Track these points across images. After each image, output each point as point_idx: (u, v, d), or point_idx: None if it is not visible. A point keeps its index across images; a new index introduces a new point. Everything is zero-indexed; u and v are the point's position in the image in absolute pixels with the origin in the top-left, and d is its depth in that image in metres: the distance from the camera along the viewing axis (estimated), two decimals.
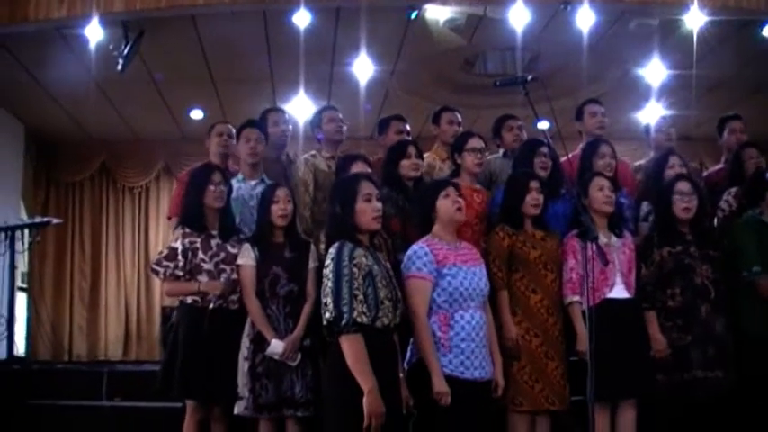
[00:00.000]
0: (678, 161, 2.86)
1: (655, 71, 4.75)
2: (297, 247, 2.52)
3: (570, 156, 2.95)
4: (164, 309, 5.83)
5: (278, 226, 2.51)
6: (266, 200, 2.52)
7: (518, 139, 3.16)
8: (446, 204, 2.22)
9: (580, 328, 2.42)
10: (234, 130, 3.03)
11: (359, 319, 1.85)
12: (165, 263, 2.47)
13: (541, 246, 2.51)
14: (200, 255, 2.48)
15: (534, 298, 2.46)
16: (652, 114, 4.90)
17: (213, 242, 2.52)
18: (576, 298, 2.46)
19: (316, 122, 3.09)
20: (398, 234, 2.55)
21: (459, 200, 2.23)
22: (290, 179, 2.97)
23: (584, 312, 2.38)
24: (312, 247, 2.56)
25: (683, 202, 2.55)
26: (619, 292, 2.47)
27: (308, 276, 2.49)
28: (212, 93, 5.16)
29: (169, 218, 3.16)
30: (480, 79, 4.67)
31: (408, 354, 2.17)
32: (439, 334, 2.11)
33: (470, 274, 2.16)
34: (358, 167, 2.58)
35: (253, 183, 2.83)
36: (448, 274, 2.13)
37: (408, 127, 3.26)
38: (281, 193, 2.52)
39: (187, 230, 2.51)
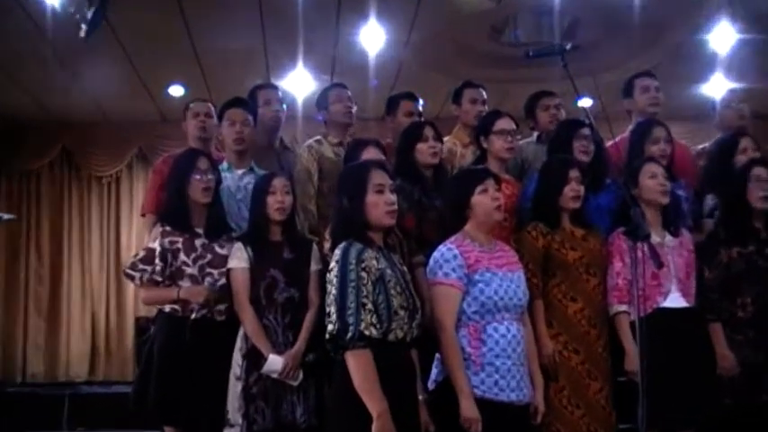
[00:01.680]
0: (751, 144, 2.82)
1: (721, 36, 4.63)
2: (297, 246, 2.54)
3: (617, 139, 2.96)
4: (138, 320, 5.84)
5: (275, 221, 2.52)
6: (261, 191, 2.54)
7: (555, 119, 3.19)
8: (484, 201, 2.23)
9: (628, 343, 2.42)
10: (214, 110, 3.07)
11: (367, 332, 1.86)
12: (141, 266, 2.50)
13: (582, 246, 2.53)
14: (183, 257, 2.50)
15: (574, 307, 2.48)
16: (718, 88, 4.81)
17: (198, 242, 2.54)
18: (624, 308, 2.47)
19: (322, 103, 3.12)
20: (413, 233, 2.57)
21: (499, 195, 2.25)
22: (284, 168, 3.00)
23: (633, 324, 2.38)
24: (314, 246, 2.59)
25: (762, 190, 2.52)
26: (675, 300, 2.47)
27: (311, 280, 2.51)
28: (195, 66, 5.15)
29: (143, 215, 3.20)
30: (510, 49, 4.64)
31: (433, 372, 2.18)
32: (469, 350, 2.13)
33: (506, 280, 2.18)
34: (370, 154, 2.58)
35: (240, 172, 2.86)
36: (480, 281, 2.15)
37: (421, 107, 3.29)
38: (277, 182, 2.54)
39: (167, 228, 2.53)
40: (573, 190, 2.53)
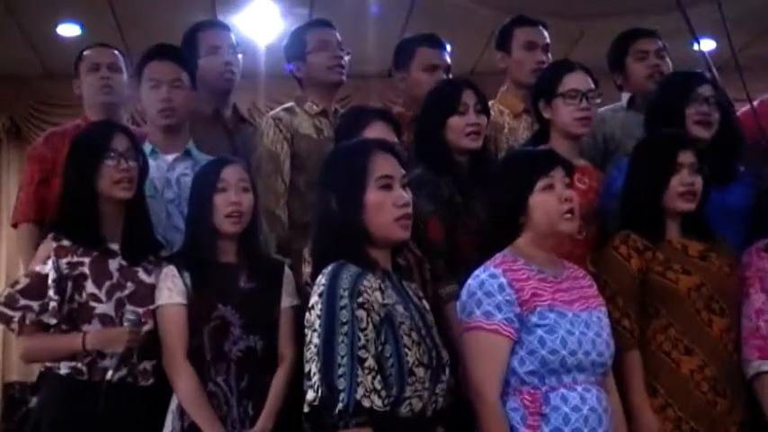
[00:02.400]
0: None
1: None
2: (260, 270, 2.57)
3: (756, 103, 2.97)
4: (7, 387, 5.85)
5: (226, 233, 2.56)
6: (204, 186, 2.58)
7: (656, 73, 3.22)
8: (547, 203, 2.26)
9: None
10: (123, 61, 3.15)
11: (367, 403, 1.88)
12: (22, 302, 2.49)
13: (700, 269, 2.53)
14: (90, 287, 2.52)
15: (689, 364, 2.47)
16: None
17: (113, 264, 2.56)
18: None
19: (295, 51, 3.14)
20: (441, 248, 2.59)
21: (571, 194, 2.28)
22: (240, 152, 3.04)
23: None
24: (287, 271, 2.61)
25: None
26: None
27: (281, 323, 2.54)
28: None
29: (14, 225, 3.24)
30: None
31: None
32: (524, 430, 2.14)
33: (580, 324, 2.20)
34: (377, 131, 2.60)
35: (169, 159, 2.89)
36: (540, 325, 2.17)
37: (449, 57, 3.31)
38: (230, 174, 2.56)
39: (64, 242, 2.54)
40: (685, 183, 2.54)
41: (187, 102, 2.93)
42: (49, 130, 3.40)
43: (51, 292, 2.48)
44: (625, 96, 3.31)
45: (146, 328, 2.51)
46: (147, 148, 2.88)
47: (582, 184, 2.74)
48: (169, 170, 2.88)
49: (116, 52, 3.25)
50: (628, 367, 2.44)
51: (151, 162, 2.83)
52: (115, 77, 3.17)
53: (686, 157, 2.55)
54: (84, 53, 3.24)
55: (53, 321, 2.49)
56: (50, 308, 2.48)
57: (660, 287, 2.51)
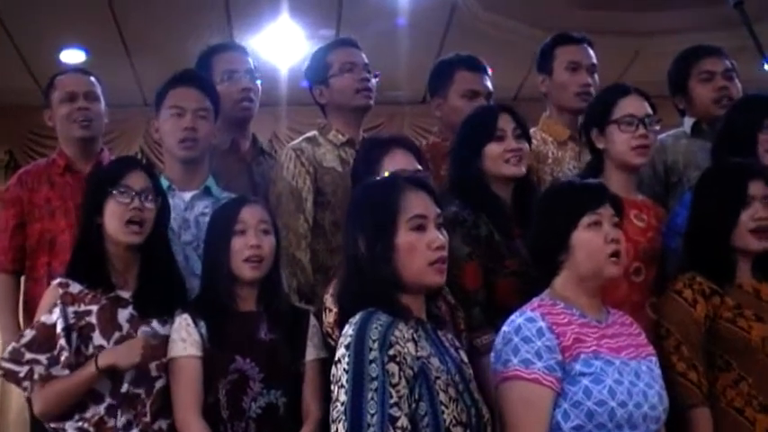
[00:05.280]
0: None
1: None
2: (282, 320, 2.58)
3: None
4: None
5: (245, 280, 2.57)
6: (221, 228, 2.60)
7: (724, 96, 3.20)
8: (592, 243, 2.25)
9: None
10: (96, 84, 3.16)
11: None
12: (28, 355, 2.50)
13: None
14: (98, 339, 2.53)
15: (766, 422, 2.45)
16: None
17: (123, 314, 2.57)
18: None
19: (318, 74, 3.14)
20: (479, 295, 2.59)
21: (618, 234, 2.26)
22: (259, 189, 3.07)
23: None
24: (313, 320, 2.62)
25: None
26: None
27: (307, 378, 2.55)
28: (104, 14, 5.14)
29: None
30: None
31: None
32: None
33: (630, 373, 2.18)
34: (397, 161, 2.60)
35: (187, 196, 2.91)
36: (585, 373, 2.15)
37: (489, 82, 3.32)
38: (250, 214, 2.58)
39: (71, 289, 2.57)
40: (757, 218, 2.53)
41: (210, 135, 2.95)
42: (22, 170, 3.40)
43: (63, 341, 2.49)
44: (688, 122, 3.30)
45: (160, 382, 2.52)
46: (163, 183, 2.88)
47: (640, 222, 2.75)
48: (187, 209, 2.89)
49: (92, 79, 3.26)
50: (696, 426, 2.42)
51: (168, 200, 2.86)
52: (93, 108, 3.18)
53: (758, 189, 2.54)
54: (57, 80, 3.25)
55: (65, 373, 2.49)
56: (63, 358, 2.49)
57: (730, 336, 2.49)
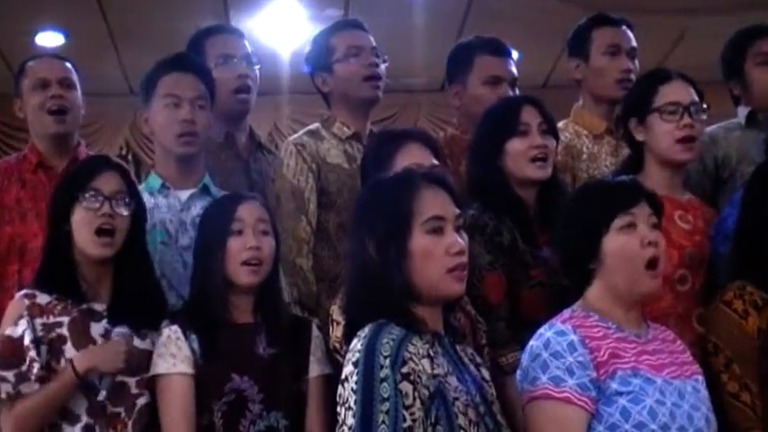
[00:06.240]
0: None
1: None
2: (283, 332, 2.56)
3: None
4: None
5: (242, 286, 2.54)
6: (215, 228, 2.57)
7: None
8: (627, 245, 2.20)
9: None
10: (72, 71, 3.15)
11: None
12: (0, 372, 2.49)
13: None
14: (70, 351, 2.51)
15: None
16: None
17: (97, 328, 2.54)
18: None
19: (321, 59, 3.10)
20: (503, 309, 2.58)
21: (657, 237, 2.22)
22: (256, 187, 3.06)
23: None
24: (317, 332, 2.62)
25: None
26: None
27: (310, 397, 2.54)
28: None
29: None
30: None
31: None
32: None
33: (672, 393, 2.15)
34: (410, 156, 2.55)
35: (183, 196, 2.88)
36: (622, 392, 2.11)
37: (514, 67, 3.29)
38: (247, 212, 2.55)
39: (38, 300, 2.54)
40: None
41: (208, 127, 2.92)
42: None
43: (33, 353, 2.47)
44: (742, 111, 3.24)
45: (141, 401, 2.50)
46: (156, 182, 2.89)
47: (685, 224, 2.72)
48: (183, 210, 2.85)
49: (68, 65, 3.21)
50: None
51: (161, 200, 2.86)
52: (69, 96, 3.13)
53: None
54: (28, 65, 3.20)
55: (35, 388, 2.46)
56: (34, 372, 2.46)
57: None
